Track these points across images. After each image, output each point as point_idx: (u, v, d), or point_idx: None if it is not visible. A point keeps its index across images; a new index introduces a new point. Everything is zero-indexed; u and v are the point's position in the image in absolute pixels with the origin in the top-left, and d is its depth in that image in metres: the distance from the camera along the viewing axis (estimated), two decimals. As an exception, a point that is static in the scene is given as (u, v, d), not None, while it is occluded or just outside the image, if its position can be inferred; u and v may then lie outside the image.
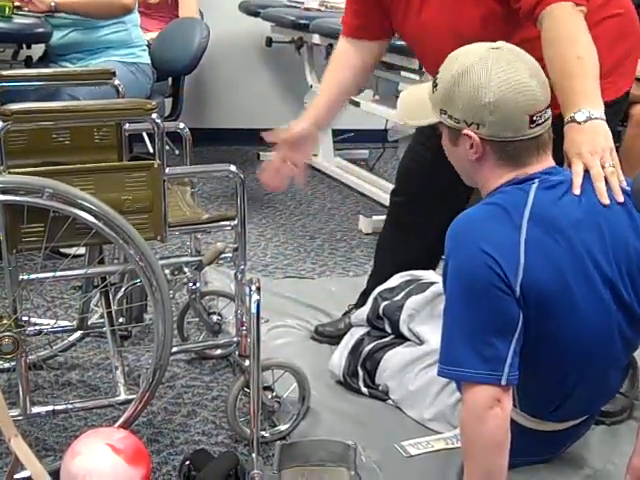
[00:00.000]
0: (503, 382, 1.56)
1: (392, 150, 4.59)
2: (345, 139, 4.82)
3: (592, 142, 1.74)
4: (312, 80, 4.34)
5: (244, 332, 2.03)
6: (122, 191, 1.81)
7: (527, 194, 1.65)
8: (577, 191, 1.68)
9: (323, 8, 4.42)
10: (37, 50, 3.52)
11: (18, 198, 1.70)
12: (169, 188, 1.90)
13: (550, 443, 1.88)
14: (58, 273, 1.87)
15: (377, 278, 2.46)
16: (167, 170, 1.85)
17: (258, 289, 1.90)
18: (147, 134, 3.63)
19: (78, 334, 2.37)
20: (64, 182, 1.73)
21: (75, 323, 2.37)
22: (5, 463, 1.87)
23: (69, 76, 2.43)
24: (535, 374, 1.68)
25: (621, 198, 1.69)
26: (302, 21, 4.13)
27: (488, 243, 1.58)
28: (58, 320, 2.48)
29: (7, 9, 3.01)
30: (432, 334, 2.08)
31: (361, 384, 2.24)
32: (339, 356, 2.29)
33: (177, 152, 3.46)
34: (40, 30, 3.06)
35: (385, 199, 3.94)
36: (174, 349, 2.00)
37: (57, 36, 3.18)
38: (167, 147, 1.92)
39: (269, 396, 2.06)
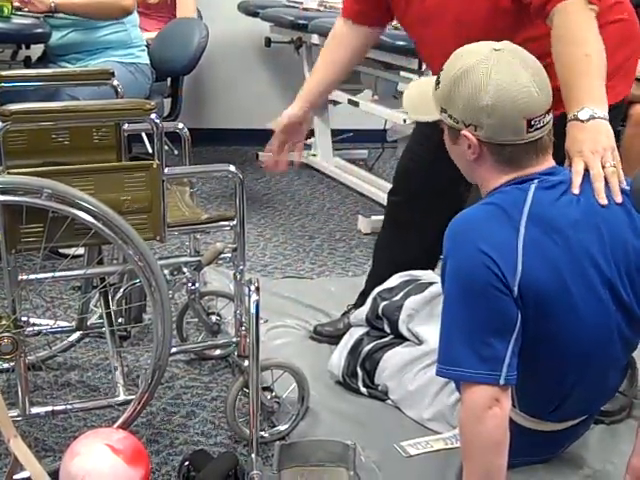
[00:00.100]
0: (501, 382, 1.56)
1: (391, 150, 4.59)
2: (344, 139, 4.82)
3: (594, 141, 1.74)
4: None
5: (243, 332, 2.03)
6: (121, 191, 1.81)
7: (526, 194, 1.65)
8: (576, 191, 1.68)
9: (322, 8, 4.42)
10: (36, 50, 3.52)
11: (17, 198, 1.70)
12: (168, 188, 1.90)
13: (549, 443, 1.88)
14: (57, 273, 1.87)
15: (376, 278, 2.46)
16: (166, 170, 1.85)
17: (257, 289, 1.90)
18: (146, 134, 3.63)
19: (77, 334, 2.37)
20: (63, 182, 1.73)
21: (74, 323, 2.37)
22: (4, 464, 1.87)
23: (68, 76, 2.43)
24: (534, 374, 1.68)
25: (619, 199, 1.69)
26: (301, 21, 4.13)
27: (486, 243, 1.58)
28: (57, 320, 2.48)
29: (6, 9, 3.01)
30: (431, 334, 2.08)
31: (360, 384, 2.24)
32: (338, 356, 2.29)
33: (176, 152, 3.47)
34: (39, 30, 3.06)
35: (384, 199, 3.92)
36: (173, 349, 2.00)
37: (56, 36, 3.18)
38: (166, 147, 1.92)
39: (268, 396, 2.06)
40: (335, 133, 4.64)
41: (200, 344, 2.46)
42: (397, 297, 2.27)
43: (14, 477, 1.75)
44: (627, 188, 1.72)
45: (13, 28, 3.03)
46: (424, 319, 2.18)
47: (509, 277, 1.57)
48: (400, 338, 2.23)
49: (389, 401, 2.20)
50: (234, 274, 2.06)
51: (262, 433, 2.01)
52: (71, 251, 1.97)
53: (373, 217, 3.66)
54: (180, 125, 2.24)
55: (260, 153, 4.76)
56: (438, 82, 1.70)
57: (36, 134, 2.08)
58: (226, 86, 4.99)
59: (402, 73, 3.75)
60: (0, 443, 1.83)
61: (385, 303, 2.27)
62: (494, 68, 1.61)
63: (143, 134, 3.67)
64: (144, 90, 3.33)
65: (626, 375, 2.06)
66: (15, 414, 1.83)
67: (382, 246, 2.57)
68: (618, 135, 1.83)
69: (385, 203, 3.88)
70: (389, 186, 4.02)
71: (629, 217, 1.70)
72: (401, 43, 3.35)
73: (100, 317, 2.27)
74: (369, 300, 2.33)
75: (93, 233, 1.75)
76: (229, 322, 2.41)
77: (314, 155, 4.67)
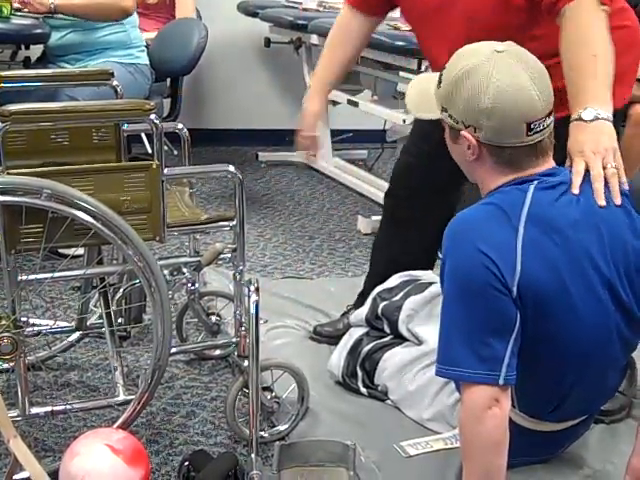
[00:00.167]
0: (501, 382, 1.56)
1: (391, 150, 4.59)
2: (344, 139, 4.82)
3: (596, 141, 1.74)
4: (310, 80, 4.33)
5: (243, 332, 2.03)
6: (121, 192, 1.81)
7: (525, 194, 1.65)
8: (575, 191, 1.68)
9: (321, 8, 4.42)
10: (35, 51, 3.52)
11: (16, 199, 1.70)
12: (168, 189, 1.90)
13: (549, 443, 1.88)
14: (57, 274, 1.87)
15: (374, 279, 2.46)
16: (166, 171, 1.85)
17: (257, 289, 1.90)
18: (146, 135, 3.63)
19: (77, 335, 2.37)
20: (63, 183, 1.73)
21: (74, 324, 2.37)
22: (4, 464, 1.87)
23: (68, 77, 2.43)
24: (533, 374, 1.68)
25: (619, 201, 1.69)
26: (300, 21, 4.14)
27: (485, 243, 1.58)
28: (57, 321, 2.49)
29: (5, 10, 3.01)
30: (431, 334, 2.08)
31: (360, 384, 2.24)
32: (338, 356, 2.29)
33: (176, 153, 3.47)
34: (38, 31, 3.06)
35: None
36: (173, 350, 2.00)
37: (55, 37, 3.18)
38: (166, 148, 1.92)
39: (268, 396, 2.06)
40: (335, 133, 4.64)
41: (200, 344, 2.46)
42: (397, 297, 2.27)
43: (14, 477, 1.75)
44: (627, 189, 1.72)
45: (12, 28, 3.03)
46: (424, 319, 2.18)
47: (508, 277, 1.57)
48: (400, 338, 2.23)
49: (389, 401, 2.20)
50: (234, 274, 2.06)
51: (262, 433, 2.02)
52: (71, 251, 1.97)
53: (373, 217, 3.67)
54: (179, 125, 2.24)
55: (260, 153, 4.78)
56: (440, 81, 1.70)
57: (35, 134, 2.08)
58: (225, 86, 4.99)
59: (401, 73, 3.75)
60: (0, 443, 1.83)
61: (385, 303, 2.28)
62: (495, 70, 1.61)
63: (143, 134, 3.67)
64: (143, 90, 3.33)
65: (625, 375, 2.06)
66: (15, 414, 1.83)
67: (380, 246, 2.57)
68: (618, 135, 1.82)
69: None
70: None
71: (629, 218, 1.70)
72: (400, 43, 3.35)
73: (100, 317, 2.27)
74: (369, 300, 2.33)
75: (93, 233, 1.75)
76: (229, 322, 2.41)
77: (314, 155, 4.66)
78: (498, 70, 1.61)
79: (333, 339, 2.47)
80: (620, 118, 2.25)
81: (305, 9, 4.38)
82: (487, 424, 1.57)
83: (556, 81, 1.77)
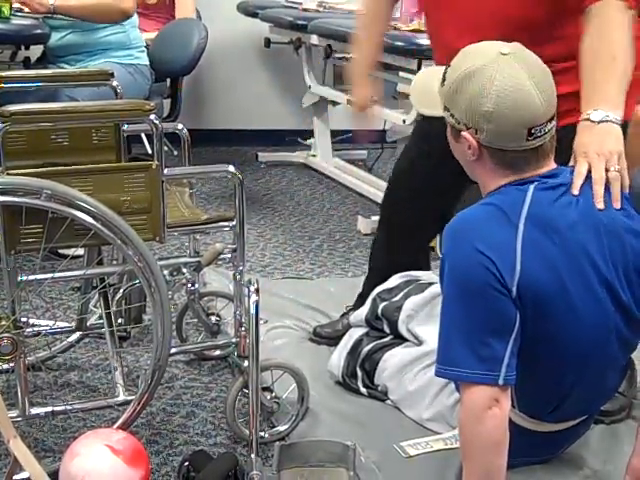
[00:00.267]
0: (500, 382, 1.56)
1: (391, 150, 4.59)
2: (343, 139, 4.82)
3: (601, 143, 1.73)
4: (310, 81, 4.34)
5: (243, 333, 2.03)
6: (121, 192, 1.81)
7: (525, 194, 1.65)
8: (575, 192, 1.68)
9: (321, 9, 4.42)
10: (35, 51, 3.52)
11: (16, 199, 1.70)
12: (168, 189, 1.91)
13: (549, 444, 1.88)
14: (57, 274, 1.87)
15: (374, 280, 2.45)
16: (166, 171, 1.85)
17: (257, 290, 1.90)
18: (146, 135, 3.63)
19: (77, 335, 2.37)
20: (62, 183, 1.72)
21: (74, 324, 2.37)
22: (4, 464, 1.87)
23: (68, 77, 2.43)
24: (533, 374, 1.68)
25: (618, 205, 1.69)
26: (300, 22, 4.14)
27: (485, 243, 1.58)
28: (57, 321, 2.49)
29: (5, 10, 3.01)
30: (431, 334, 2.08)
31: (360, 384, 2.24)
32: (338, 357, 2.29)
33: (175, 153, 3.46)
34: (38, 31, 3.06)
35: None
36: (173, 350, 2.00)
37: (55, 37, 3.18)
38: (165, 148, 1.92)
39: (268, 397, 2.06)
40: (334, 133, 4.64)
41: (200, 344, 2.46)
42: (397, 298, 2.27)
43: (14, 477, 1.75)
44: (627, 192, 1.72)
45: (12, 29, 3.03)
46: (424, 319, 2.18)
47: (507, 277, 1.57)
48: (400, 338, 2.23)
49: (389, 401, 2.20)
50: (234, 275, 2.06)
51: (262, 433, 2.02)
52: (70, 252, 1.97)
53: (373, 217, 3.66)
54: (179, 126, 2.24)
55: (259, 154, 4.78)
56: (444, 79, 1.69)
57: (35, 135, 2.08)
58: (225, 87, 4.99)
59: (401, 74, 3.75)
60: (0, 444, 1.83)
61: (385, 304, 2.28)
62: (499, 73, 1.60)
63: (142, 135, 3.67)
64: (143, 91, 3.33)
65: (625, 376, 2.06)
66: (15, 415, 1.83)
67: (380, 247, 2.56)
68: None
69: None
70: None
71: (629, 219, 1.70)
72: (400, 44, 3.35)
73: (100, 318, 2.27)
74: (369, 301, 2.33)
75: (93, 234, 1.75)
76: (229, 322, 2.41)
77: (313, 156, 4.67)
78: (501, 73, 1.60)
79: (332, 340, 2.47)
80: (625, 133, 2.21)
81: (305, 9, 4.38)
82: (487, 424, 1.57)
83: (568, 85, 1.77)
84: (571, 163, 1.76)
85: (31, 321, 2.07)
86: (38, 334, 2.14)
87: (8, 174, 1.74)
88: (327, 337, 2.54)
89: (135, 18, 3.33)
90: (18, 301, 1.81)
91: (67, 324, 2.43)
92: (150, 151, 2.28)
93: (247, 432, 1.98)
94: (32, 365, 2.13)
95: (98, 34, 3.22)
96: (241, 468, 1.84)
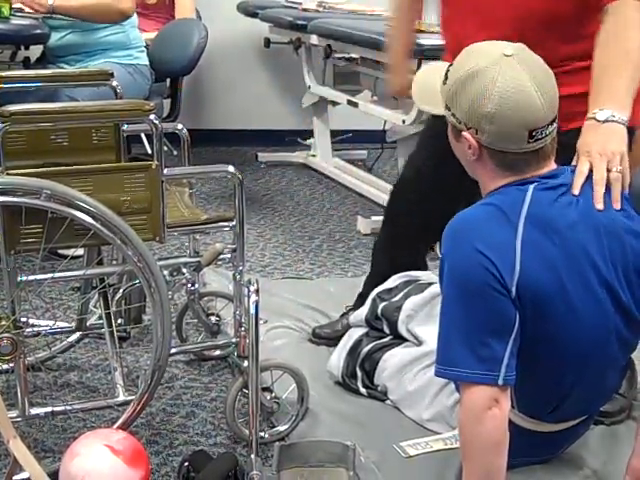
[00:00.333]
0: (500, 382, 1.56)
1: (390, 151, 4.59)
2: (343, 140, 4.83)
3: (604, 143, 1.73)
4: (310, 81, 4.34)
5: (243, 333, 2.03)
6: (120, 192, 1.81)
7: (525, 194, 1.65)
8: (576, 191, 1.68)
9: (321, 9, 4.42)
10: (35, 51, 3.52)
11: (16, 199, 1.70)
12: (167, 189, 1.90)
13: (548, 444, 1.88)
14: (56, 274, 1.87)
15: (375, 280, 2.44)
16: (165, 171, 1.85)
17: (256, 290, 1.90)
18: (145, 135, 3.63)
19: (77, 335, 2.37)
20: (62, 183, 1.72)
21: (74, 324, 2.37)
22: (4, 464, 1.87)
23: (67, 77, 2.43)
24: (532, 374, 1.68)
25: (618, 206, 1.69)
26: (300, 22, 4.14)
27: (484, 243, 1.58)
28: (57, 321, 2.49)
29: (5, 10, 3.01)
30: (430, 335, 2.08)
31: (360, 385, 2.24)
32: (337, 357, 2.29)
33: (175, 153, 3.47)
34: (38, 31, 3.06)
35: (383, 200, 3.93)
36: (173, 350, 2.00)
37: (55, 38, 3.18)
38: (165, 148, 1.92)
39: (268, 397, 2.06)
40: (334, 134, 4.64)
41: (199, 345, 2.46)
42: (396, 298, 2.27)
43: (14, 478, 1.75)
44: (627, 192, 1.72)
45: (12, 29, 3.02)
46: (423, 320, 2.18)
47: (507, 277, 1.57)
48: (399, 339, 2.23)
49: (388, 402, 2.20)
50: (233, 275, 2.06)
51: (262, 434, 2.02)
52: (70, 252, 1.97)
53: (372, 218, 3.67)
54: (179, 126, 2.24)
55: (259, 154, 4.78)
56: (446, 77, 1.69)
57: (35, 135, 2.08)
58: (225, 87, 4.99)
59: (401, 74, 3.75)
60: (0, 444, 1.82)
61: (384, 304, 2.28)
62: (501, 75, 1.60)
63: (142, 135, 3.67)
64: (143, 91, 3.33)
65: (625, 376, 2.06)
66: (14, 415, 1.83)
67: (383, 247, 2.54)
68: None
69: (385, 204, 3.90)
70: (388, 187, 4.04)
71: (629, 219, 1.70)
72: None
73: (99, 318, 2.27)
74: (368, 301, 2.33)
75: (92, 234, 1.75)
76: (228, 323, 2.41)
77: (313, 156, 4.67)
78: (504, 75, 1.60)
79: (332, 341, 2.47)
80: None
81: (305, 9, 4.38)
82: (487, 424, 1.57)
83: (578, 86, 1.77)
84: (574, 162, 1.76)
85: (31, 321, 2.07)
86: (38, 334, 2.14)
87: (8, 174, 1.74)
88: (326, 338, 2.54)
89: (135, 18, 3.33)
90: (18, 301, 1.81)
91: (67, 324, 2.43)
92: (150, 151, 2.27)
93: (247, 432, 1.98)
94: (32, 365, 2.13)
95: (98, 34, 3.22)
96: (241, 468, 1.84)
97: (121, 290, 2.31)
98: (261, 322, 1.94)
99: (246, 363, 1.95)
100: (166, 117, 3.64)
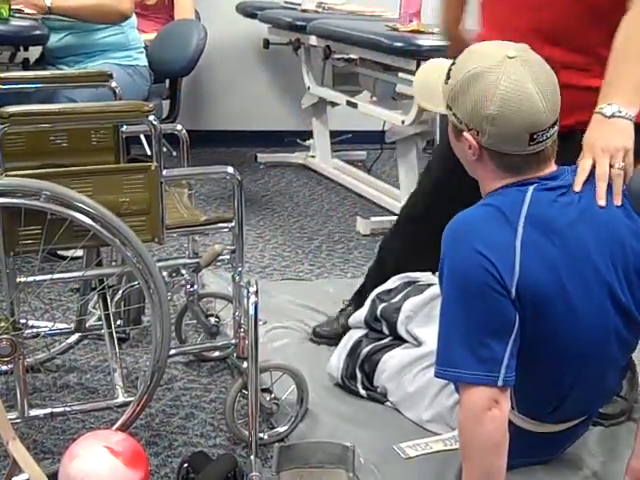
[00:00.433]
0: (500, 383, 1.56)
1: (390, 151, 4.59)
2: (343, 140, 4.83)
3: (608, 139, 1.72)
4: (309, 81, 4.34)
5: (242, 334, 2.03)
6: (119, 193, 1.80)
7: (524, 195, 1.65)
8: (577, 188, 1.68)
9: (320, 10, 4.43)
10: (34, 52, 3.52)
11: (15, 200, 1.69)
12: (166, 190, 1.90)
13: (548, 445, 1.88)
14: (56, 275, 1.87)
15: (377, 280, 2.42)
16: (164, 172, 1.85)
17: (256, 291, 1.89)
18: (144, 136, 3.63)
19: (76, 336, 2.36)
20: (61, 184, 1.72)
21: (73, 325, 2.37)
22: (3, 466, 1.87)
23: (66, 78, 2.43)
24: (532, 375, 1.68)
25: (619, 202, 1.69)
26: (299, 23, 4.14)
27: (484, 244, 1.58)
28: (56, 322, 2.49)
29: (4, 11, 3.01)
30: (430, 336, 2.08)
31: (359, 386, 2.24)
32: (337, 358, 2.29)
33: (174, 154, 3.46)
34: (37, 32, 3.06)
35: (383, 200, 3.95)
36: (172, 351, 2.00)
37: (54, 39, 3.18)
38: (164, 149, 1.91)
39: (267, 398, 2.06)
40: (334, 134, 4.64)
41: (199, 346, 2.45)
42: (396, 299, 2.27)
43: (13, 479, 1.75)
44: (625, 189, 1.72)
45: (11, 30, 3.02)
46: (423, 321, 2.18)
47: (507, 278, 1.57)
48: (399, 340, 2.23)
49: (388, 403, 2.20)
50: (232, 276, 2.05)
51: (261, 435, 2.01)
52: (69, 253, 1.97)
53: (372, 218, 3.67)
54: (178, 127, 2.24)
55: (259, 155, 4.78)
56: (448, 76, 1.68)
57: (34, 136, 2.08)
58: (224, 88, 4.99)
59: (400, 74, 3.75)
60: (-1, 445, 1.83)
61: (384, 305, 2.27)
62: (504, 77, 1.59)
63: (141, 136, 3.67)
64: (142, 92, 3.33)
65: (624, 376, 2.06)
66: (14, 416, 1.83)
67: (392, 249, 2.48)
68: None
69: (384, 204, 3.91)
70: (388, 187, 4.07)
71: (629, 219, 1.70)
72: (399, 45, 3.35)
73: (99, 319, 2.27)
74: (368, 302, 2.33)
75: (91, 235, 1.75)
76: (228, 324, 2.41)
77: (313, 156, 4.67)
78: (506, 77, 1.59)
79: (332, 340, 2.47)
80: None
81: (304, 10, 4.38)
82: (487, 425, 1.57)
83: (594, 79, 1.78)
84: (579, 159, 1.75)
85: (30, 322, 2.06)
86: (37, 335, 2.14)
87: (7, 175, 1.73)
88: (326, 337, 2.53)
89: (134, 19, 3.33)
90: (17, 302, 1.81)
91: (66, 325, 2.42)
92: (149, 152, 2.27)
93: (246, 433, 1.98)
94: (31, 366, 2.13)
95: (97, 35, 3.22)
96: (240, 469, 1.84)
97: (120, 291, 2.31)
98: (260, 323, 1.94)
99: (245, 364, 1.95)
100: (165, 118, 3.64)
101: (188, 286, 2.23)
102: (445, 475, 1.90)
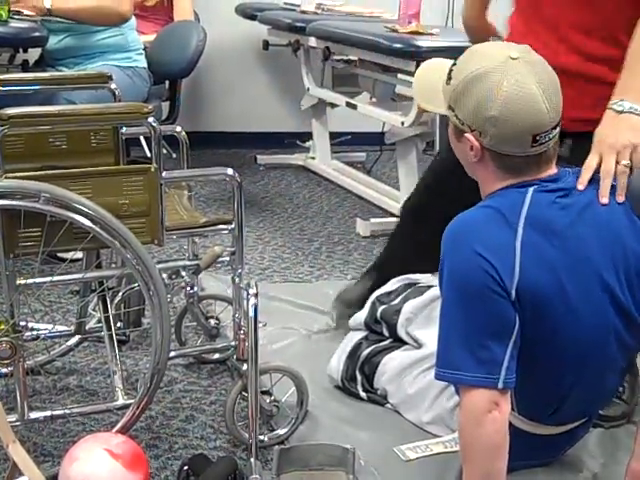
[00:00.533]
0: (500, 385, 1.56)
1: (389, 153, 4.59)
2: (342, 142, 4.83)
3: (616, 135, 1.72)
4: (309, 83, 4.34)
5: (242, 336, 2.02)
6: (119, 195, 1.80)
7: (524, 196, 1.64)
8: (581, 187, 1.68)
9: (319, 11, 4.43)
10: (33, 54, 3.51)
11: (15, 202, 1.69)
12: (166, 192, 1.90)
13: (548, 446, 1.88)
14: (55, 278, 1.87)
15: (395, 264, 2.40)
16: (164, 174, 1.85)
17: (256, 293, 1.89)
18: (144, 138, 3.63)
19: (76, 339, 2.36)
20: (61, 186, 1.72)
21: (73, 328, 2.36)
22: (3, 469, 1.87)
23: (66, 80, 2.43)
24: (532, 376, 1.68)
25: (621, 198, 1.69)
26: (299, 24, 4.14)
27: (484, 246, 1.58)
28: (56, 325, 2.48)
29: (3, 13, 3.01)
30: (430, 338, 2.08)
31: (359, 388, 2.24)
32: (337, 360, 2.28)
33: (174, 156, 3.46)
34: (36, 34, 3.06)
35: (383, 202, 3.95)
36: (172, 353, 2.00)
37: (53, 41, 3.18)
38: (164, 151, 1.91)
39: (267, 400, 2.06)
40: (333, 136, 4.65)
41: (199, 348, 2.46)
42: (396, 301, 2.27)
43: (12, 482, 1.75)
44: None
45: (11, 32, 3.02)
46: (423, 323, 2.18)
47: (506, 280, 1.57)
48: (399, 342, 2.22)
49: (388, 405, 2.19)
50: (232, 278, 2.05)
51: (261, 437, 2.01)
52: (69, 255, 1.97)
53: (372, 220, 3.67)
54: (178, 128, 2.24)
55: (258, 156, 4.77)
56: (450, 77, 1.68)
57: (34, 138, 2.07)
58: (224, 89, 4.99)
59: (400, 76, 3.75)
60: (-2, 448, 1.82)
61: (384, 307, 2.27)
62: (507, 79, 1.59)
63: (141, 137, 3.67)
64: (142, 94, 3.33)
65: (624, 378, 2.06)
66: (14, 419, 1.83)
67: (396, 259, 2.48)
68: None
69: (383, 206, 3.91)
70: (388, 189, 4.07)
71: (629, 220, 1.69)
72: (398, 46, 3.35)
73: (99, 321, 2.27)
74: (367, 304, 2.33)
75: (91, 237, 1.75)
76: (228, 326, 2.41)
77: (312, 158, 4.67)
78: (510, 79, 1.59)
79: (355, 305, 2.44)
80: None
81: (303, 11, 4.38)
82: (487, 427, 1.57)
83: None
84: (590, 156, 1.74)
85: (30, 325, 2.06)
86: (37, 338, 2.13)
87: (6, 177, 1.73)
88: (349, 303, 2.52)
89: (133, 20, 3.33)
90: (17, 305, 1.80)
91: (66, 328, 2.42)
92: (149, 154, 2.27)
93: (246, 436, 1.98)
94: (31, 369, 2.13)
95: (96, 37, 3.21)
96: (240, 472, 1.84)
97: (120, 293, 2.31)
98: (260, 325, 1.94)
99: (245, 366, 1.95)
100: (165, 120, 3.64)
101: (188, 288, 2.23)
102: (445, 477, 1.89)
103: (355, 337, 2.30)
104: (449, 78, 1.68)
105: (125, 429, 1.88)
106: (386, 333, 2.25)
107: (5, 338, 1.76)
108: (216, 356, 2.45)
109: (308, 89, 4.36)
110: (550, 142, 1.64)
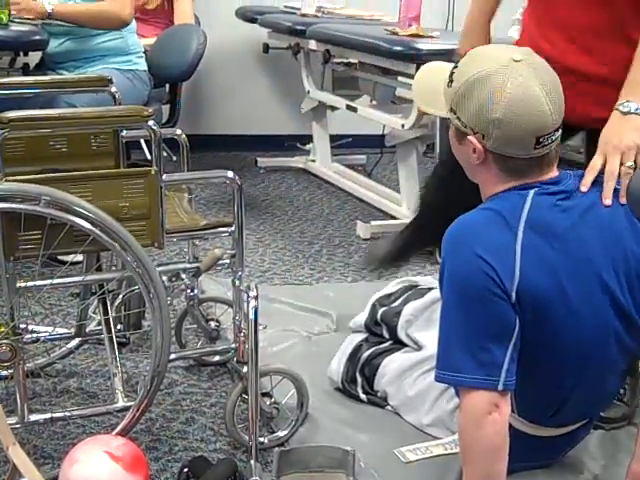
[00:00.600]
0: (500, 387, 1.56)
1: (390, 155, 4.59)
2: (342, 144, 4.82)
3: (621, 137, 1.72)
4: (309, 85, 4.34)
5: (242, 338, 2.03)
6: (119, 198, 1.81)
7: (525, 199, 1.65)
8: (584, 188, 1.68)
9: (320, 14, 4.43)
10: (34, 57, 3.52)
11: (15, 205, 1.70)
12: (166, 194, 1.90)
13: (549, 448, 1.88)
14: (56, 280, 1.87)
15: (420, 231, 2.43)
16: (164, 177, 1.85)
17: (256, 295, 1.89)
18: (144, 141, 3.63)
19: (76, 341, 2.36)
20: (61, 189, 1.73)
21: (73, 330, 2.37)
22: (3, 471, 1.86)
23: (66, 83, 2.44)
24: (532, 378, 1.68)
25: (623, 200, 1.69)
26: (299, 27, 4.14)
27: (484, 248, 1.58)
28: (56, 327, 2.48)
29: (4, 17, 3.01)
30: (430, 340, 2.08)
31: (360, 390, 2.24)
32: (337, 362, 2.28)
33: (174, 158, 3.47)
34: (37, 38, 3.06)
35: (383, 204, 3.96)
36: (172, 356, 2.00)
37: (53, 44, 3.18)
38: (164, 154, 1.92)
39: (267, 402, 2.06)
40: (333, 138, 4.65)
41: (199, 350, 2.45)
42: (396, 303, 2.27)
43: (13, 485, 1.75)
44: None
45: (11, 35, 3.02)
46: (423, 325, 2.18)
47: (507, 282, 1.57)
48: (399, 344, 2.22)
49: (388, 407, 2.19)
50: (233, 280, 2.05)
51: (261, 439, 2.01)
52: (69, 258, 1.97)
53: (372, 222, 3.67)
54: (178, 131, 2.24)
55: (259, 159, 4.78)
56: (451, 80, 1.67)
57: (34, 141, 2.08)
58: (224, 92, 4.99)
59: (400, 78, 3.76)
60: (-1, 450, 1.83)
61: (384, 309, 2.27)
62: (510, 81, 1.59)
63: (141, 141, 3.67)
64: (142, 97, 3.33)
65: (625, 380, 2.06)
66: (14, 421, 1.83)
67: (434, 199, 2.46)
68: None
69: (383, 208, 3.92)
70: (388, 191, 4.08)
71: (630, 222, 1.69)
72: (398, 49, 3.36)
73: (99, 324, 2.27)
74: (368, 306, 2.33)
75: (91, 240, 1.75)
76: (228, 328, 2.41)
77: (313, 161, 4.67)
78: (513, 81, 1.59)
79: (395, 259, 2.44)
80: None
81: (303, 15, 4.38)
82: (487, 429, 1.57)
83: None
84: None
85: (30, 327, 2.06)
86: (37, 340, 2.13)
87: (7, 180, 1.74)
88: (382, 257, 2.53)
89: (133, 24, 3.33)
90: (17, 307, 1.81)
91: (66, 330, 2.42)
92: (149, 157, 2.27)
93: (246, 438, 1.98)
94: (31, 371, 2.13)
95: (96, 40, 3.22)
96: (240, 474, 1.84)
97: (120, 296, 2.31)
98: (260, 327, 1.94)
99: (245, 368, 1.95)
100: (165, 123, 3.64)
101: (188, 290, 2.23)
102: (445, 479, 1.89)
103: (355, 339, 2.30)
104: (450, 81, 1.68)
105: (125, 431, 1.88)
106: (386, 335, 2.26)
107: (5, 341, 1.76)
108: (216, 358, 2.45)
109: (308, 92, 4.37)
110: (552, 144, 1.64)
